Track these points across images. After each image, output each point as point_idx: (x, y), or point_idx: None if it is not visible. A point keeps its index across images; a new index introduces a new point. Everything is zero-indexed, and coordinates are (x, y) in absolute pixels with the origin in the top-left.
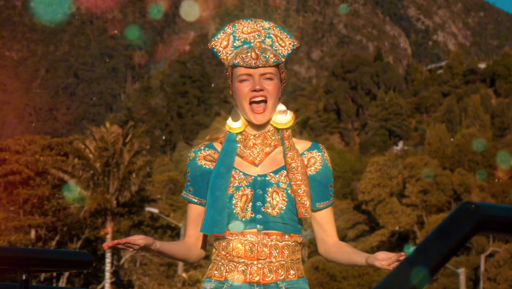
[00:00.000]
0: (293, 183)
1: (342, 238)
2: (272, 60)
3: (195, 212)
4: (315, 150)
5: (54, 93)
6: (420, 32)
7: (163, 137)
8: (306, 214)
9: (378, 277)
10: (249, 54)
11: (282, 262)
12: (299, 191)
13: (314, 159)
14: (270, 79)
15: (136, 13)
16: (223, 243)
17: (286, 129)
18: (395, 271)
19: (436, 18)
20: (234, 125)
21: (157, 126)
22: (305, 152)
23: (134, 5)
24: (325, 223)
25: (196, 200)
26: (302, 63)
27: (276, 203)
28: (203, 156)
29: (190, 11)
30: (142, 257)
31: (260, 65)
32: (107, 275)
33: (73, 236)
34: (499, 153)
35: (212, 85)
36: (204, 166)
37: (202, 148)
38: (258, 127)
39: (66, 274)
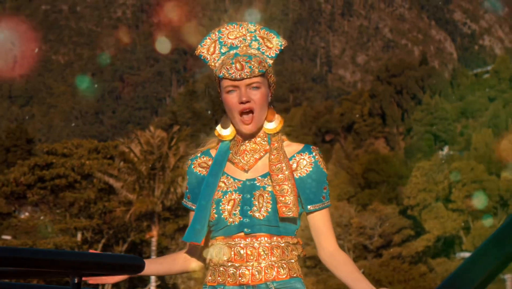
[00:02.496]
0: (275, 184)
1: (388, 242)
2: (257, 70)
3: None
4: (306, 152)
5: (100, 96)
6: (466, 37)
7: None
8: (288, 213)
9: (424, 282)
10: (233, 65)
11: (271, 262)
12: (280, 191)
13: (305, 161)
14: (257, 88)
15: (182, 17)
16: (217, 249)
17: (276, 133)
18: (454, 275)
19: (483, 22)
20: (223, 132)
21: (201, 130)
22: (295, 155)
23: (180, 8)
24: (319, 226)
25: (194, 208)
26: (347, 67)
27: (262, 206)
28: (198, 163)
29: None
30: None
31: (245, 77)
32: (153, 278)
33: (119, 239)
34: None
35: None
36: (199, 173)
37: (199, 155)
38: (248, 134)
39: None
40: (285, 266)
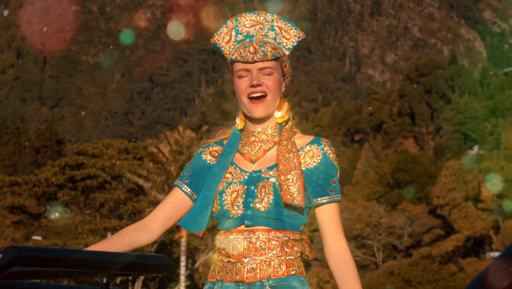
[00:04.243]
0: (281, 173)
1: (417, 242)
2: (271, 54)
3: (178, 198)
4: (315, 144)
5: (129, 97)
6: (495, 35)
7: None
8: (294, 201)
9: (454, 282)
10: (247, 48)
11: (268, 259)
12: (285, 180)
13: (313, 152)
14: (270, 74)
15: (210, 17)
16: (218, 243)
17: (286, 122)
18: (483, 275)
19: None
20: (237, 121)
21: None
22: (304, 146)
23: (208, 9)
24: (325, 221)
25: (187, 191)
26: (376, 67)
27: (263, 197)
28: (210, 152)
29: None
30: None
31: (258, 60)
32: (182, 278)
33: None
34: None
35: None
36: (208, 161)
37: (212, 144)
38: (259, 123)
39: (142, 277)
40: (283, 262)
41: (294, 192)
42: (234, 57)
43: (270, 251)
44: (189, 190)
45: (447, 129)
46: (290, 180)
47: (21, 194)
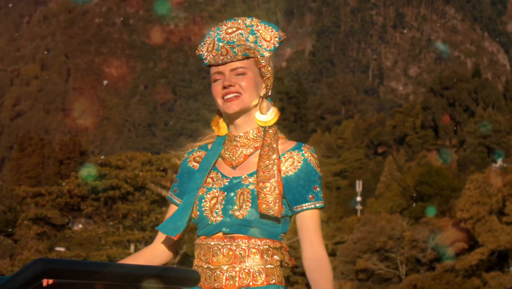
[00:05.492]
0: (259, 180)
1: (441, 256)
2: (241, 54)
3: (174, 211)
4: (296, 151)
5: (152, 109)
6: None
7: None
8: (269, 211)
9: None
10: (219, 51)
11: (248, 267)
12: (263, 188)
13: (293, 159)
14: (243, 74)
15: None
16: (197, 249)
17: (270, 127)
18: None
19: None
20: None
21: None
22: (285, 153)
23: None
24: (304, 229)
25: (178, 202)
26: (399, 79)
27: (241, 205)
28: (193, 158)
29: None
30: None
31: (228, 60)
32: None
33: None
34: None
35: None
36: (192, 167)
37: (196, 149)
38: (239, 127)
39: None
40: (262, 271)
41: (271, 201)
42: (207, 61)
43: (249, 259)
44: (179, 200)
45: (471, 142)
46: (268, 189)
47: (44, 205)
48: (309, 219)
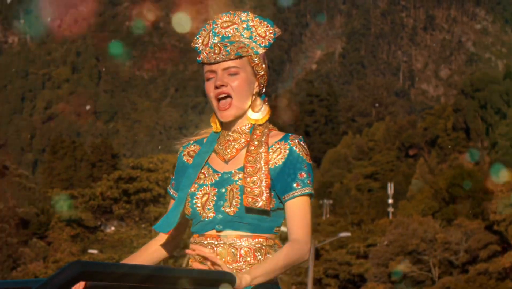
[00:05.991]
0: (246, 175)
1: (474, 258)
2: (234, 53)
3: None
4: (283, 141)
5: (183, 111)
6: None
7: None
8: (256, 204)
9: None
10: (212, 49)
11: (240, 267)
12: (250, 182)
13: (280, 150)
14: (235, 73)
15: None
16: (191, 247)
17: (260, 124)
18: None
19: None
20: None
21: None
22: (273, 145)
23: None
24: (289, 216)
25: (176, 196)
26: (430, 81)
27: (232, 201)
28: (188, 152)
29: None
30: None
31: (220, 60)
32: None
33: None
34: None
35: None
36: (186, 161)
37: (191, 143)
38: (232, 123)
39: None
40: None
41: (257, 194)
42: (200, 59)
43: (242, 258)
44: (176, 194)
45: (503, 144)
46: (254, 182)
47: (77, 207)
48: (295, 207)
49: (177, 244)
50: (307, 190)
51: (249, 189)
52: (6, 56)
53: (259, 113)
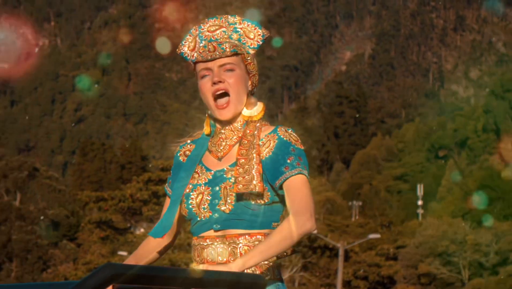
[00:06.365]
0: (239, 167)
1: (504, 260)
2: (230, 50)
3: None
4: (273, 133)
5: None
6: None
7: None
8: (248, 189)
9: None
10: (206, 48)
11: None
12: (241, 172)
13: (269, 141)
14: (231, 70)
15: (292, 33)
16: (192, 251)
17: (254, 121)
18: None
19: None
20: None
21: (313, 146)
22: (263, 138)
23: (291, 25)
24: (286, 198)
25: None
26: (460, 82)
27: (227, 199)
28: (184, 152)
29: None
30: (300, 277)
31: (217, 56)
32: None
33: None
34: None
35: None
36: (182, 161)
37: (188, 142)
38: (227, 123)
39: None
40: (256, 269)
41: (248, 180)
42: (194, 58)
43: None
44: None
45: None
46: (246, 171)
47: (107, 209)
48: (288, 188)
49: (172, 240)
50: (296, 171)
51: (240, 178)
52: (37, 59)
53: (253, 110)
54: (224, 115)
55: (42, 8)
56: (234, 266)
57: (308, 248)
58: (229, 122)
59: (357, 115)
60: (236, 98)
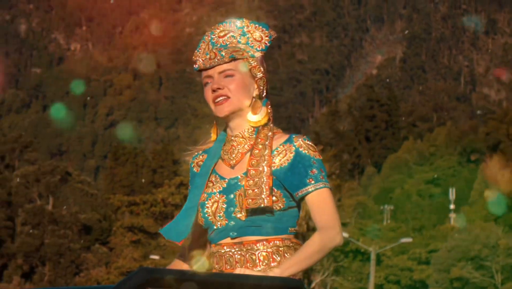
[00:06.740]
0: (249, 179)
1: None
2: (228, 56)
3: None
4: (288, 143)
5: None
6: None
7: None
8: (256, 204)
9: None
10: (207, 55)
11: (262, 270)
12: (251, 184)
13: (285, 151)
14: (231, 76)
15: (323, 37)
16: (212, 258)
17: (263, 126)
18: None
19: None
20: (212, 136)
21: (345, 150)
22: (278, 147)
23: (321, 29)
24: (311, 211)
25: None
26: (492, 86)
27: (242, 206)
28: (197, 162)
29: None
30: (332, 281)
31: (215, 64)
32: None
33: None
34: None
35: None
36: (196, 172)
37: (200, 153)
38: (236, 127)
39: None
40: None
41: (257, 194)
42: (197, 66)
43: (261, 263)
44: None
45: None
46: (256, 184)
47: (139, 214)
48: (314, 200)
49: (204, 248)
50: (321, 184)
51: (250, 191)
52: (69, 63)
53: (257, 115)
54: (220, 111)
55: (74, 12)
56: (271, 275)
57: (340, 252)
58: (239, 128)
59: (389, 119)
60: (237, 100)
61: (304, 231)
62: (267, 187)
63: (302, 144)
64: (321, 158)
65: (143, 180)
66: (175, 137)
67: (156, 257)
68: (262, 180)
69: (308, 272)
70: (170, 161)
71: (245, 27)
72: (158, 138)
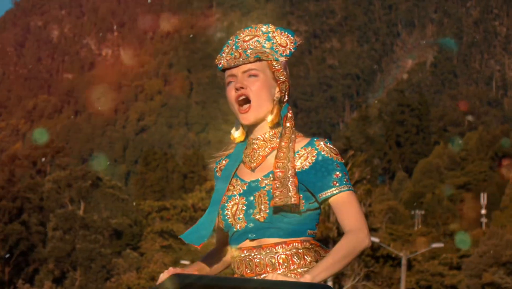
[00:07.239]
0: (276, 180)
1: None
2: (253, 56)
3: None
4: (309, 146)
5: None
6: None
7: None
8: (285, 202)
9: None
10: (232, 55)
11: (283, 273)
12: (277, 184)
13: (307, 154)
14: (254, 75)
15: (354, 42)
16: (232, 262)
17: (285, 129)
18: None
19: None
20: (236, 134)
21: (375, 155)
22: (299, 150)
23: (352, 34)
24: (337, 213)
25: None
26: None
27: (261, 208)
28: (219, 168)
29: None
30: (362, 286)
31: (240, 63)
32: None
33: None
34: None
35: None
36: (219, 176)
37: (223, 158)
38: (256, 130)
39: None
40: (297, 276)
41: (285, 193)
42: (221, 65)
43: (281, 265)
44: None
45: None
46: (283, 184)
47: (169, 219)
48: (339, 203)
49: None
50: (345, 187)
51: (277, 192)
52: (100, 68)
53: (271, 115)
54: (246, 119)
55: (105, 18)
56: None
57: (370, 257)
58: (260, 131)
59: (419, 124)
60: (257, 103)
61: (335, 236)
62: (293, 185)
63: (324, 147)
64: (343, 161)
65: (173, 185)
66: (205, 142)
67: (186, 262)
68: (288, 179)
69: (339, 277)
70: (201, 166)
71: (271, 32)
72: (189, 143)
